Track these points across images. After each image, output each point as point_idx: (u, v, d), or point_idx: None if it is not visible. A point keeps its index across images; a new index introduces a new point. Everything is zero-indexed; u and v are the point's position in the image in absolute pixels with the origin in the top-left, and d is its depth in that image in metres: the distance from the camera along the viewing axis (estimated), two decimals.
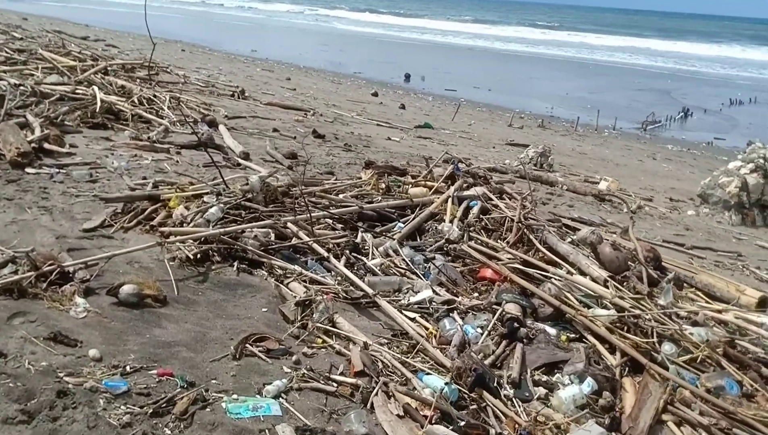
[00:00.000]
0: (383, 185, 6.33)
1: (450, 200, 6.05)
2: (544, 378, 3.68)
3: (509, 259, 4.99)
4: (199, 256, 4.68)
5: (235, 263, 4.72)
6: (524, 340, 4.00)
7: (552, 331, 4.17)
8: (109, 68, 9.81)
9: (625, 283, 4.76)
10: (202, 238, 4.74)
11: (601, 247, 5.08)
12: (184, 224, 5.05)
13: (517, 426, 3.18)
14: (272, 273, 4.69)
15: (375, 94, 19.82)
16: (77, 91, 8.30)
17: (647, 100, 26.08)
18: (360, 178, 6.86)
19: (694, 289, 5.10)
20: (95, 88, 8.22)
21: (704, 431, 3.30)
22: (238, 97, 12.70)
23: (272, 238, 5.05)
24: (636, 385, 3.63)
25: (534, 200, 6.30)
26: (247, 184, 5.50)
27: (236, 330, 3.94)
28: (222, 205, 5.20)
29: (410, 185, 6.44)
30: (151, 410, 3.04)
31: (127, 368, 3.34)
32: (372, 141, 11.07)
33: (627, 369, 3.81)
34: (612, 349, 3.96)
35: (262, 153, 8.28)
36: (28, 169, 6.04)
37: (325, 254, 4.83)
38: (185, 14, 48.64)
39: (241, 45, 29.51)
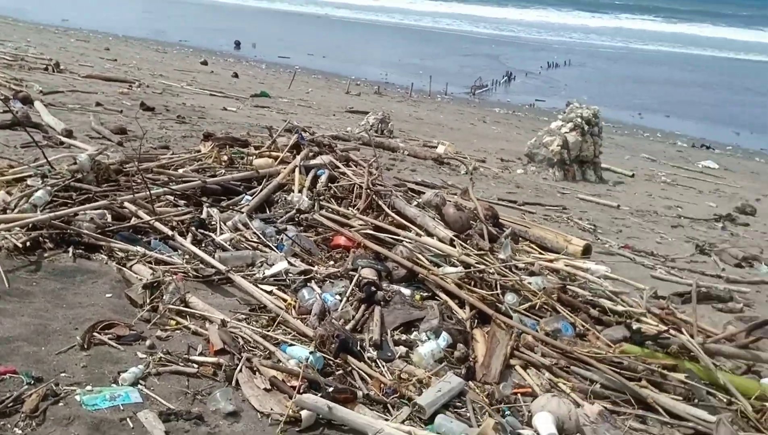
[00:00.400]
0: (225, 158, 6.19)
1: (297, 170, 6.05)
2: (404, 337, 3.88)
3: (361, 225, 5.13)
4: (28, 244, 4.31)
5: (70, 249, 4.40)
6: (381, 303, 4.16)
7: (407, 291, 4.38)
8: None
9: (468, 241, 5.09)
10: (30, 225, 4.36)
11: (445, 208, 5.38)
12: (7, 211, 4.62)
13: (382, 385, 3.33)
14: (112, 256, 4.43)
15: (204, 63, 19.11)
16: None
17: (475, 65, 27.49)
18: (199, 151, 6.64)
19: (528, 242, 5.59)
20: None
21: (546, 371, 3.67)
22: (53, 71, 11.68)
23: (109, 220, 4.78)
24: (485, 335, 3.94)
25: (379, 166, 6.46)
26: (75, 163, 5.12)
27: (80, 319, 3.71)
28: (49, 188, 4.82)
29: (254, 156, 6.34)
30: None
31: None
32: (207, 112, 10.71)
33: (476, 321, 4.11)
34: (462, 303, 4.25)
35: (87, 129, 7.72)
36: None
37: (170, 233, 4.66)
38: None
39: (50, 14, 26.94)
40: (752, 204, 9.42)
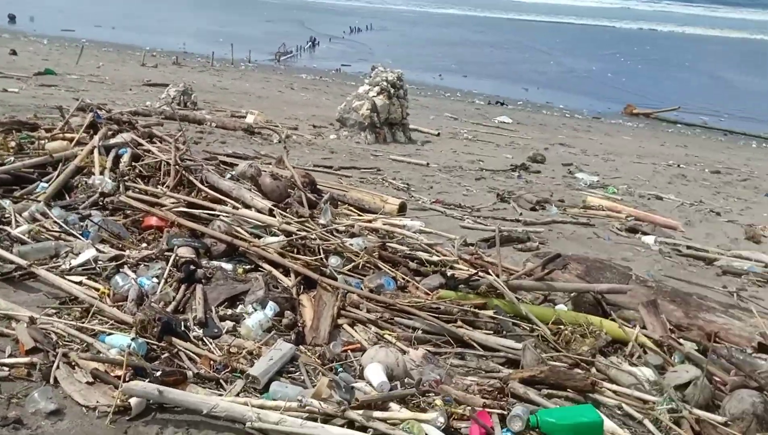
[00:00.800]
0: (13, 144, 5.65)
1: (96, 151, 5.69)
2: (229, 312, 3.88)
3: (173, 203, 4.98)
4: None
5: None
6: (203, 281, 4.11)
7: (228, 266, 4.36)
8: None
9: (288, 209, 5.17)
10: None
11: (261, 178, 5.39)
12: None
13: (212, 362, 3.33)
14: None
15: None
16: None
17: (278, 31, 27.27)
18: None
19: (347, 205, 5.78)
20: None
21: (373, 325, 3.89)
22: None
23: None
24: (312, 299, 4.06)
25: (186, 141, 6.28)
26: None
27: None
28: None
29: (47, 140, 5.85)
30: None
31: None
32: None
33: (302, 287, 4.21)
34: (287, 271, 4.33)
35: None
36: None
37: None
38: None
39: None
40: (542, 153, 10.47)
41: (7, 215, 4.68)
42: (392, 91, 10.12)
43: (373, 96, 10.02)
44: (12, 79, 11.64)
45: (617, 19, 37.41)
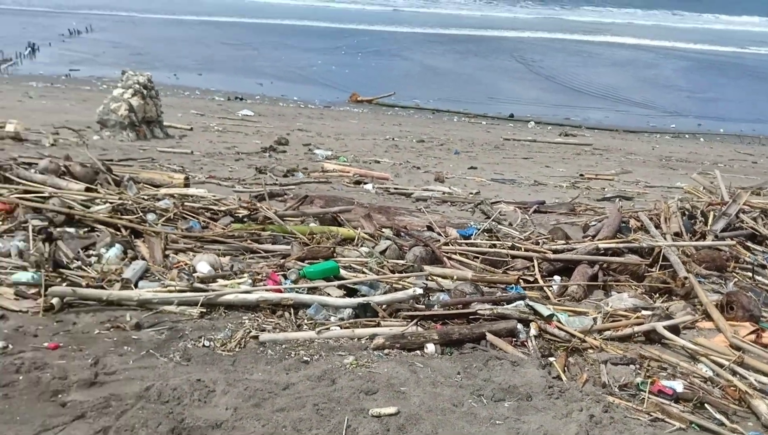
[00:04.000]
0: None
1: None
2: (89, 252, 5.80)
3: (8, 193, 6.59)
4: None
5: None
6: (58, 239, 5.94)
7: (71, 229, 6.21)
8: None
9: (101, 188, 7.06)
10: None
11: (72, 167, 7.18)
12: None
13: (92, 279, 5.29)
14: None
15: None
16: None
17: None
18: None
19: (142, 183, 7.76)
20: None
21: (191, 251, 6.08)
22: None
23: None
24: (143, 242, 6.13)
25: None
26: None
27: None
28: None
29: None
30: None
31: None
32: None
33: (133, 236, 6.23)
34: (117, 229, 6.31)
35: None
36: None
37: None
38: None
39: None
40: (285, 137, 13.11)
41: None
42: (145, 92, 11.92)
43: (128, 97, 11.74)
44: None
45: (335, 20, 41.74)
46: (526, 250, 6.39)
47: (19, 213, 6.29)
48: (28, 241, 5.80)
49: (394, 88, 23.78)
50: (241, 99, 21.20)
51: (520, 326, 4.89)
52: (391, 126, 18.13)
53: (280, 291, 5.12)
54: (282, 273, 5.49)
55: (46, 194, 6.66)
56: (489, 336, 4.69)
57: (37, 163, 7.87)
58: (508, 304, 5.14)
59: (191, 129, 13.64)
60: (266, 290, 5.13)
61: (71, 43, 27.56)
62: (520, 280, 5.82)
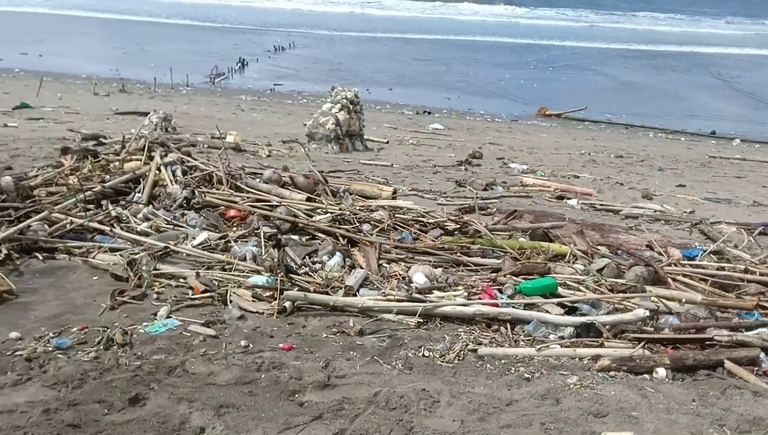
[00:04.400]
0: (92, 167, 7.73)
1: (163, 169, 7.85)
2: (310, 260, 6.22)
3: (241, 201, 7.24)
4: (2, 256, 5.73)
5: (38, 254, 5.91)
6: (285, 246, 6.42)
7: (295, 237, 6.69)
8: None
9: (318, 200, 7.53)
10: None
11: (296, 178, 7.73)
12: None
13: (318, 285, 5.66)
14: (71, 253, 6.04)
15: None
16: None
17: (202, 52, 29.03)
18: (61, 163, 8.01)
19: (353, 194, 8.17)
20: None
21: (402, 262, 6.30)
22: None
23: (46, 227, 6.28)
24: (359, 251, 6.45)
25: (227, 157, 8.47)
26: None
27: (92, 295, 5.40)
28: None
29: (121, 162, 7.94)
30: (102, 347, 4.59)
31: (51, 334, 4.69)
32: None
33: (349, 245, 6.59)
34: (335, 237, 6.69)
35: None
36: None
37: (108, 229, 6.35)
38: None
39: None
40: (479, 151, 13.19)
41: (125, 218, 6.82)
42: (351, 106, 12.57)
43: (336, 112, 12.44)
44: None
45: (525, 36, 41.40)
46: (761, 274, 5.93)
47: (252, 220, 6.87)
48: (260, 246, 6.34)
49: (584, 102, 23.12)
50: (429, 113, 21.65)
51: (762, 355, 4.55)
52: (584, 140, 17.61)
53: (496, 305, 5.16)
54: (497, 287, 5.53)
55: (274, 203, 7.21)
56: (728, 364, 4.41)
57: (261, 173, 8.57)
58: (747, 330, 4.79)
59: (387, 142, 14.15)
60: (482, 304, 5.18)
61: (276, 59, 29.67)
62: (759, 306, 5.40)
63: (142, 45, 30.35)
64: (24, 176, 7.05)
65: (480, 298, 5.34)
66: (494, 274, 5.87)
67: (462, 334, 5.00)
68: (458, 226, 6.76)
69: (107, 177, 7.50)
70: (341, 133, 12.51)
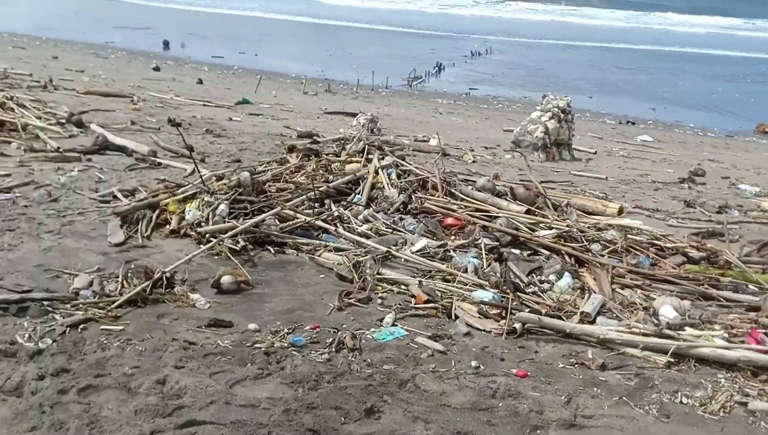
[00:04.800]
0: (318, 166, 7.85)
1: (381, 171, 7.80)
2: (536, 278, 5.79)
3: (460, 209, 6.98)
4: (238, 247, 5.90)
5: (269, 247, 6.04)
6: (507, 260, 6.05)
7: (516, 251, 6.29)
8: None
9: (537, 213, 7.07)
10: (238, 232, 5.94)
11: (516, 188, 7.34)
12: (203, 224, 6.16)
13: (548, 307, 5.22)
14: (299, 249, 6.10)
15: (157, 69, 20.14)
16: None
17: (400, 56, 29.49)
18: (287, 160, 8.25)
19: (574, 209, 7.62)
20: None
21: (638, 289, 5.69)
22: (54, 88, 12.57)
23: (277, 223, 6.40)
24: (587, 272, 5.92)
25: (442, 162, 8.27)
26: (232, 180, 6.68)
27: (319, 293, 5.38)
28: (227, 202, 6.37)
29: (343, 163, 8.01)
30: (333, 349, 4.49)
31: (285, 329, 4.69)
32: (218, 123, 12.13)
33: (577, 264, 6.08)
34: (560, 255, 6.21)
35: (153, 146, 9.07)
36: None
37: (332, 228, 6.36)
38: None
39: None
40: (701, 168, 11.98)
41: (345, 218, 6.81)
42: (562, 115, 11.95)
43: (545, 120, 11.88)
44: (224, 109, 14.17)
45: (742, 49, 37.89)
46: None
47: (472, 230, 6.58)
48: (480, 258, 6.03)
49: None
50: (633, 123, 20.30)
51: None
52: None
53: (767, 353, 4.43)
54: (765, 331, 4.77)
55: (493, 214, 6.88)
56: None
57: (472, 180, 8.27)
58: None
59: (595, 152, 13.32)
60: (749, 349, 4.47)
61: (473, 63, 29.48)
62: None
63: (345, 48, 31.46)
64: (253, 170, 7.26)
65: (743, 342, 4.62)
66: (753, 314, 5.09)
67: (723, 381, 4.35)
68: (704, 254, 5.99)
69: (330, 177, 7.56)
70: (549, 142, 11.94)
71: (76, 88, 13.10)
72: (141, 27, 31.37)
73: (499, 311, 5.10)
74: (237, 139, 10.60)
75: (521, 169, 11.03)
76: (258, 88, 18.21)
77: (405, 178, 8.03)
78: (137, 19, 34.36)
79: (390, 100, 20.62)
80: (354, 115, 15.66)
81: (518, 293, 5.37)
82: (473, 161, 11.12)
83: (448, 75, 27.45)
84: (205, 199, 6.45)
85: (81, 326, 4.45)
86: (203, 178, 6.82)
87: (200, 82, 18.30)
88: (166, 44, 27.05)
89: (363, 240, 6.20)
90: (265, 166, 8.09)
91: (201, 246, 5.89)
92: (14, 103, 8.90)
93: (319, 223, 6.45)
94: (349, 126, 13.60)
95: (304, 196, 6.83)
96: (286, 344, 4.51)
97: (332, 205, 7.04)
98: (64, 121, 9.22)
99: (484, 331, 4.94)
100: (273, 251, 6.04)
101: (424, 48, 32.80)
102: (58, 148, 7.98)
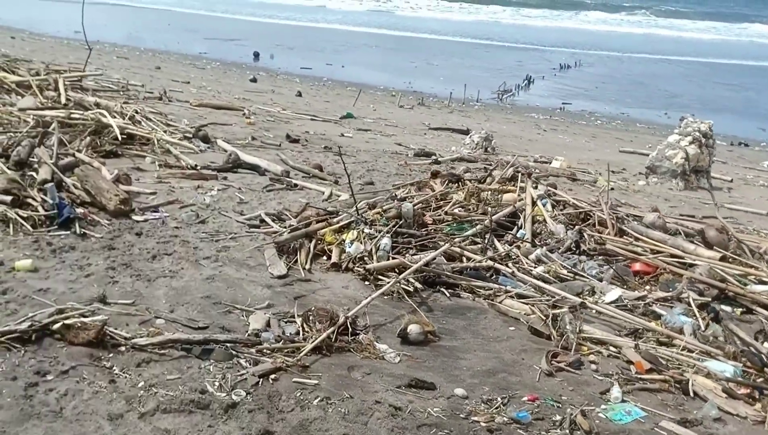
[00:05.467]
0: (474, 195, 7.04)
1: (539, 202, 6.94)
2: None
3: (643, 251, 6.05)
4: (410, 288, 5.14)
5: (442, 289, 5.26)
6: (722, 320, 5.10)
7: (727, 308, 5.32)
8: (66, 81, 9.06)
9: (733, 259, 6.08)
10: (412, 272, 5.18)
11: (706, 230, 6.36)
12: (365, 258, 5.43)
13: None
14: (474, 292, 5.30)
15: (254, 80, 19.78)
16: (72, 117, 7.73)
17: (487, 69, 28.58)
18: (430, 186, 7.47)
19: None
20: (105, 113, 7.73)
21: None
22: (168, 100, 12.19)
23: (444, 260, 5.62)
24: None
25: (607, 195, 7.34)
26: (399, 211, 5.93)
27: (515, 350, 4.57)
28: (389, 236, 5.62)
29: (496, 192, 7.18)
30: (566, 430, 3.67)
31: (499, 399, 3.89)
32: (331, 139, 11.46)
33: None
34: None
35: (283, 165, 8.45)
36: (135, 217, 5.84)
37: (508, 271, 5.53)
38: None
39: (52, 26, 27.13)
40: None
41: (513, 256, 5.98)
42: (703, 140, 10.84)
43: (685, 145, 10.80)
44: (330, 123, 13.53)
45: None
46: None
47: (668, 279, 5.65)
48: (689, 315, 5.09)
49: None
50: (746, 145, 18.81)
51: None
52: None
53: None
54: None
55: (687, 260, 5.93)
56: None
57: (636, 215, 7.32)
58: None
59: (731, 180, 12.12)
60: None
61: (562, 77, 28.25)
62: None
63: (428, 60, 30.68)
64: (412, 199, 6.52)
65: None
66: None
67: None
68: None
69: (489, 208, 6.73)
70: (688, 169, 10.84)
71: (189, 101, 12.63)
72: (230, 38, 31.33)
73: (748, 391, 4.19)
74: (359, 158, 9.91)
75: (666, 198, 10.00)
76: (343, 99, 17.54)
77: (560, 209, 7.18)
78: (225, 30, 34.37)
79: (487, 115, 19.70)
80: (460, 131, 14.91)
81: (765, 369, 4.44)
82: (611, 189, 10.13)
83: (538, 88, 26.31)
84: (365, 230, 5.71)
85: (272, 376, 3.81)
86: (358, 208, 6.09)
87: (299, 94, 17.77)
88: (256, 55, 26.84)
89: (546, 286, 5.35)
90: (409, 192, 7.34)
91: (365, 282, 5.27)
92: (141, 116, 8.38)
93: (491, 262, 5.63)
94: (462, 144, 12.81)
95: (473, 231, 6.03)
96: (506, 419, 3.71)
97: (495, 240, 6.22)
98: (190, 135, 8.66)
99: (738, 416, 4.03)
100: (448, 294, 5.25)
101: (509, 60, 31.71)
102: (196, 165, 7.40)
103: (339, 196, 7.43)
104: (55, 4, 35.25)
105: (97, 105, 8.53)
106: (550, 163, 11.64)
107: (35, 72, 9.51)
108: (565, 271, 5.76)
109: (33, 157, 6.08)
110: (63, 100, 8.25)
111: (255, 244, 5.80)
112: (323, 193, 7.48)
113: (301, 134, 11.25)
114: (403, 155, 10.91)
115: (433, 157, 10.57)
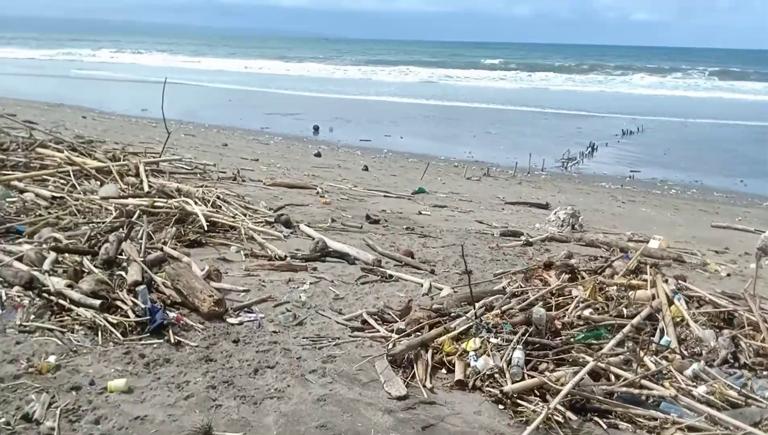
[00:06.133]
0: (598, 292, 6.17)
1: (676, 301, 6.02)
2: None
3: None
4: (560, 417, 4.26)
5: (595, 418, 4.36)
6: None
7: None
8: (139, 165, 8.62)
9: None
10: (563, 397, 4.31)
11: None
12: (497, 376, 4.59)
13: None
14: (633, 422, 4.38)
15: (318, 155, 19.49)
16: (155, 205, 7.21)
17: (544, 136, 27.91)
18: (543, 280, 6.64)
19: None
20: (189, 201, 7.20)
21: None
22: (242, 180, 11.75)
23: (590, 380, 4.73)
24: None
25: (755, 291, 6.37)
26: (529, 317, 5.10)
27: None
28: (521, 348, 4.78)
29: (630, 289, 6.29)
30: None
31: None
32: (410, 217, 10.82)
33: None
34: None
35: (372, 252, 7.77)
36: (230, 319, 5.16)
37: (668, 393, 4.61)
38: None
39: (125, 104, 27.70)
40: None
41: (665, 373, 5.04)
42: None
43: None
44: (404, 199, 12.89)
45: None
46: None
47: None
48: None
49: None
50: None
51: None
52: None
53: None
54: None
55: None
56: None
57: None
58: None
59: None
60: None
61: (625, 143, 27.37)
62: None
63: (486, 129, 30.27)
64: (543, 302, 5.68)
65: None
66: None
67: None
68: None
69: (624, 310, 5.83)
70: None
71: (262, 180, 12.18)
72: (289, 113, 31.60)
73: None
74: (445, 241, 9.16)
75: None
76: (409, 172, 16.96)
77: (694, 306, 6.24)
78: (284, 105, 34.84)
79: (557, 185, 18.86)
80: (539, 205, 14.12)
81: None
82: (728, 274, 9.12)
83: (603, 156, 25.43)
84: (490, 339, 4.88)
85: None
86: (477, 311, 5.28)
87: (366, 169, 17.30)
88: (315, 129, 26.89)
89: (720, 415, 4.40)
90: (518, 288, 6.50)
91: (500, 406, 4.43)
92: (221, 200, 7.84)
93: (645, 381, 4.71)
94: (546, 220, 11.96)
95: (615, 341, 5.13)
96: None
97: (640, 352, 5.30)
98: (271, 220, 8.07)
99: None
100: (604, 426, 4.33)
101: (568, 127, 31.07)
102: (285, 256, 6.74)
103: (440, 290, 6.65)
104: (120, 84, 36.40)
105: (179, 191, 8.03)
106: (647, 242, 10.68)
107: (112, 156, 9.12)
108: (733, 393, 4.80)
109: (120, 254, 5.50)
110: (146, 188, 7.76)
111: (362, 351, 5.06)
112: (421, 285, 6.71)
113: (378, 213, 10.63)
114: (489, 235, 10.14)
115: (523, 239, 9.77)
